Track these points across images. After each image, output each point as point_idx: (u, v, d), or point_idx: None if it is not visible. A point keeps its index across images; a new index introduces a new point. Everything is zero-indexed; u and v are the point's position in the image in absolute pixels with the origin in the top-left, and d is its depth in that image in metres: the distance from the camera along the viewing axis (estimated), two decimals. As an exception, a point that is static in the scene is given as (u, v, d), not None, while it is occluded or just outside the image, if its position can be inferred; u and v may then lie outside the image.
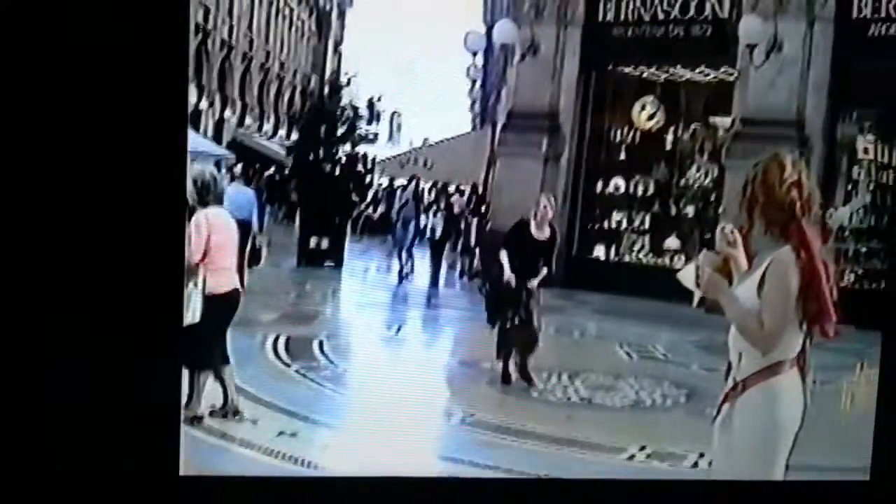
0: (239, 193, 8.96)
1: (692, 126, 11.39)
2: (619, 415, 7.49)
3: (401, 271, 10.86)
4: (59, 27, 4.05)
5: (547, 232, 8.03)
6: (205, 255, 6.10)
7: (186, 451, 4.35)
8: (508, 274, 7.93)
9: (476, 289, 9.75)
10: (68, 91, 4.07)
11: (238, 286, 6.36)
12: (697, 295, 4.49)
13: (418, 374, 8.22)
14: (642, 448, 6.67)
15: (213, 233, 6.16)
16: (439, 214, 11.04)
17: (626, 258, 11.25)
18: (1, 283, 4.12)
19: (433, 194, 11.66)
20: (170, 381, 4.25)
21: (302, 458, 6.21)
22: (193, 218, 6.12)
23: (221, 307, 6.23)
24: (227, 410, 6.53)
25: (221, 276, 6.20)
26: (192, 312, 5.96)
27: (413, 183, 11.18)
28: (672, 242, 11.03)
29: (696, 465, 6.38)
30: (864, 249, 9.71)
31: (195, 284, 6.07)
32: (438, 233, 10.85)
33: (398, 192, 11.48)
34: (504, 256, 8.01)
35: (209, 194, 6.27)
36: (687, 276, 4.40)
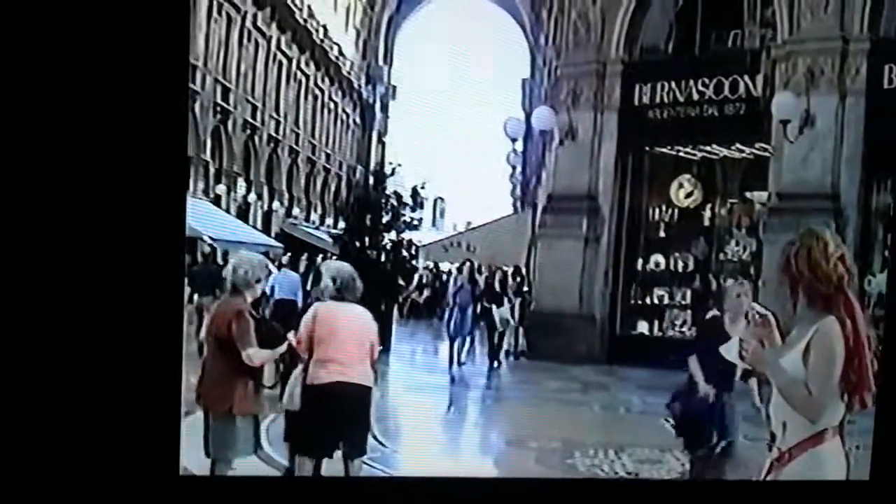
0: (285, 278, 9.26)
1: (729, 202, 11.56)
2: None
3: (459, 356, 10.92)
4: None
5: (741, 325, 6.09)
6: (310, 345, 6.30)
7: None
8: (704, 387, 6.54)
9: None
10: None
11: (345, 378, 6.36)
12: (740, 367, 4.58)
13: (467, 454, 8.31)
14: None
15: (317, 325, 6.34)
16: (506, 303, 11.13)
17: (669, 333, 11.35)
18: (1, 283, 4.23)
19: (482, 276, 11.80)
20: (170, 381, 4.31)
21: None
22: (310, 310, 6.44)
23: (324, 397, 6.32)
24: None
25: (324, 367, 6.32)
26: (292, 398, 6.28)
27: (467, 267, 11.32)
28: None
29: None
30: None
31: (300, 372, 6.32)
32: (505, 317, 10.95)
33: (454, 276, 11.60)
34: (695, 365, 6.65)
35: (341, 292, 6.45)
36: (730, 349, 4.51)
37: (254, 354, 5.99)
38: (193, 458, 4.63)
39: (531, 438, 8.31)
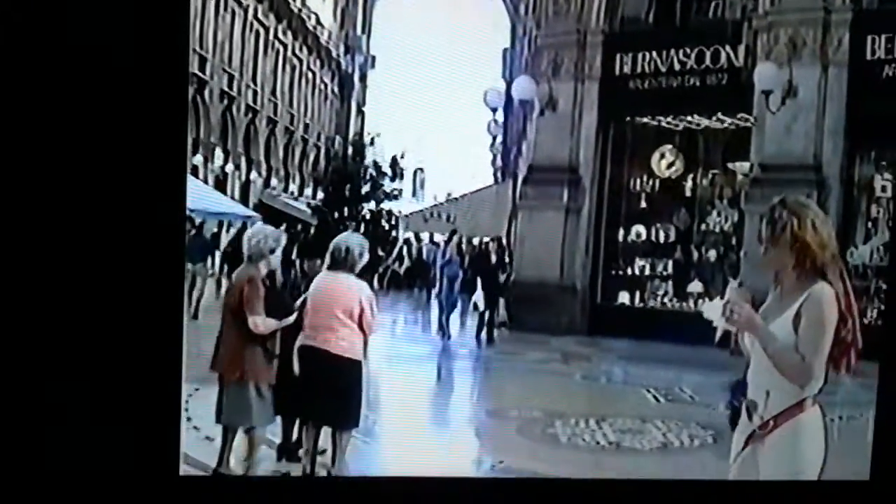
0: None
1: (711, 173, 11.54)
2: (648, 457, 7.52)
3: (446, 329, 10.85)
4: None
5: None
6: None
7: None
8: None
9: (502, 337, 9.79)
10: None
11: (321, 345, 6.42)
12: (721, 328, 4.54)
13: (448, 424, 8.29)
14: (671, 489, 6.71)
15: (310, 295, 6.45)
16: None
17: (651, 304, 11.34)
18: (1, 283, 4.18)
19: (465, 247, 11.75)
20: (170, 381, 4.27)
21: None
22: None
23: (305, 363, 6.39)
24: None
25: (305, 334, 6.39)
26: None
27: (455, 238, 11.25)
28: (695, 287, 11.10)
29: (725, 503, 6.41)
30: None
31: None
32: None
33: (441, 248, 11.52)
34: None
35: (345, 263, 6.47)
36: (713, 309, 4.46)
37: (260, 322, 6.07)
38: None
39: (512, 408, 8.30)
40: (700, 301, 10.87)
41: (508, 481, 4.55)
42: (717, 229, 11.24)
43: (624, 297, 11.36)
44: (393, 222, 12.33)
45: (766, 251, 4.45)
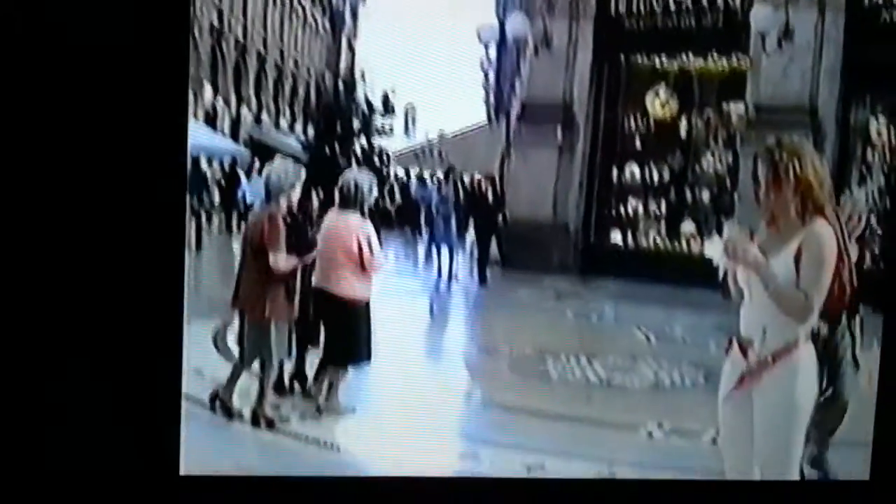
0: (256, 182, 9.20)
1: (705, 113, 11.46)
2: (638, 395, 7.56)
3: (441, 267, 10.77)
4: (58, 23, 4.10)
5: None
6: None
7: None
8: None
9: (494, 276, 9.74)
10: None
11: (321, 285, 6.56)
12: (723, 266, 4.54)
13: (440, 360, 8.30)
14: (661, 425, 6.74)
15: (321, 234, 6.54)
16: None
17: (643, 244, 11.32)
18: (0, 282, 4.16)
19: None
20: (170, 380, 4.26)
21: (325, 441, 6.34)
22: None
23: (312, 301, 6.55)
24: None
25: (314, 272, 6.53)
26: None
27: (452, 176, 11.14)
28: (688, 227, 11.09)
29: (714, 441, 6.44)
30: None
31: None
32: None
33: (436, 186, 11.40)
34: None
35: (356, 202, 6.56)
36: (714, 247, 4.45)
37: (282, 260, 6.09)
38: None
39: (504, 345, 8.31)
40: (693, 242, 10.87)
41: (508, 481, 4.56)
42: (712, 170, 11.20)
43: (616, 237, 11.34)
44: (384, 159, 12.24)
45: (766, 194, 4.45)
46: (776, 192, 4.36)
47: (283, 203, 6.26)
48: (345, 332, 6.61)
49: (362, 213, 6.64)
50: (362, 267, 6.54)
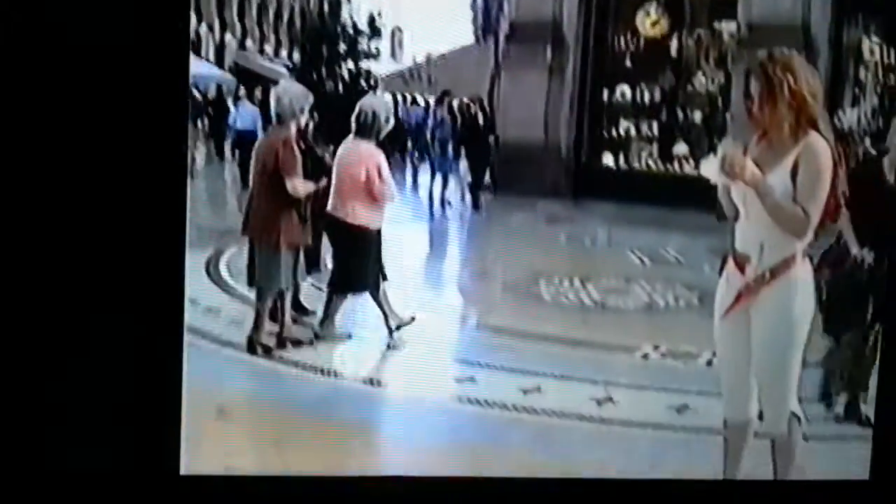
0: (244, 109, 9.15)
1: (696, 32, 11.30)
2: (633, 316, 7.58)
3: (436, 194, 10.62)
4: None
5: None
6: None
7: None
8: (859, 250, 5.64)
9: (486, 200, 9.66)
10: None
11: (332, 212, 6.53)
12: (721, 184, 4.52)
13: (434, 286, 8.29)
14: (656, 347, 6.77)
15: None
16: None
17: (636, 165, 11.23)
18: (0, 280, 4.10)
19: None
20: (171, 380, 4.23)
21: (322, 367, 6.37)
22: None
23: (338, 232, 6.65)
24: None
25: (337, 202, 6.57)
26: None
27: (447, 100, 10.94)
28: (680, 149, 11.01)
29: (710, 363, 6.48)
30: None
31: None
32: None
33: (431, 110, 11.20)
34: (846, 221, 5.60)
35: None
36: (709, 165, 4.44)
37: (299, 185, 6.09)
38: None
39: (497, 269, 8.28)
40: (685, 163, 10.80)
41: (509, 481, 4.56)
42: (703, 91, 11.07)
43: (608, 159, 11.25)
44: (372, 83, 12.06)
45: (759, 108, 4.42)
46: (770, 106, 4.35)
47: (294, 126, 6.24)
48: (355, 260, 6.62)
49: (377, 142, 6.62)
50: (373, 195, 6.53)
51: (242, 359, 6.32)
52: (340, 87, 11.69)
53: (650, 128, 11.22)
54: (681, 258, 8.85)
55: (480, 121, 11.10)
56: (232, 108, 10.73)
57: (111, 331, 4.12)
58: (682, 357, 6.60)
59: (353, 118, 6.63)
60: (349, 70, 11.84)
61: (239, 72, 12.56)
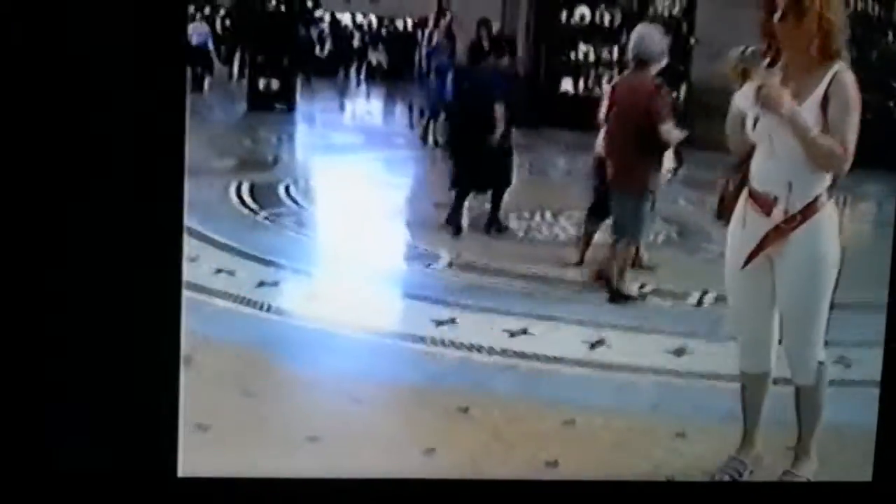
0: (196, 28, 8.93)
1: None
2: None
3: (423, 128, 10.04)
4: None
5: None
6: None
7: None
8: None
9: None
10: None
11: None
12: (752, 116, 4.27)
13: (394, 219, 7.96)
14: (642, 286, 6.58)
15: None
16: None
17: (595, 92, 10.89)
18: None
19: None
20: (170, 380, 4.10)
21: (284, 309, 6.03)
22: None
23: None
24: None
25: None
26: None
27: (445, 20, 10.20)
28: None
29: (700, 302, 6.30)
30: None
31: None
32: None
33: (427, 32, 10.45)
34: None
35: None
36: (744, 96, 4.21)
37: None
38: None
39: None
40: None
41: (508, 482, 4.39)
42: (666, 13, 10.74)
43: (567, 85, 10.89)
44: (315, 2, 11.45)
45: (783, 20, 4.19)
46: (796, 20, 4.07)
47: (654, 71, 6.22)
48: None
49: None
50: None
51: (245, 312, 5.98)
52: (283, 6, 11.04)
53: (610, 52, 10.90)
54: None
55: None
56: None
57: (111, 331, 3.97)
58: (670, 297, 6.41)
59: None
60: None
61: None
